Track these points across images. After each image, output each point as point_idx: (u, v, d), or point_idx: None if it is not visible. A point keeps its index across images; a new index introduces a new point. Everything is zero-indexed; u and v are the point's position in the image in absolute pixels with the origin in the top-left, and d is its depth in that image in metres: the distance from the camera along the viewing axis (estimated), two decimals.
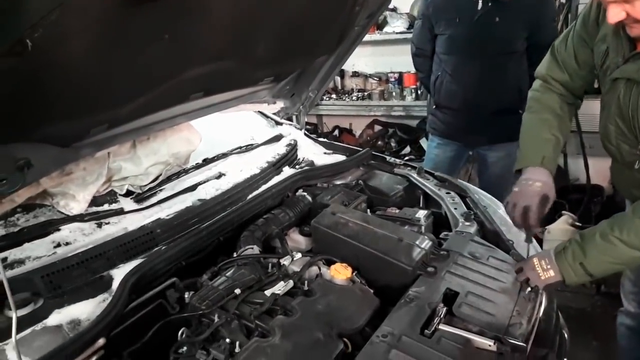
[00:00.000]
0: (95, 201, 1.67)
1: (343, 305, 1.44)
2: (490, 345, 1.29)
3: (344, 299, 1.47)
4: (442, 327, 1.35)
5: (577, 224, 3.26)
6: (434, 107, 3.05)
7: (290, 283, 1.50)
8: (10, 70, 0.92)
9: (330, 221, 1.74)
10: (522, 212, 1.52)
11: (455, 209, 1.96)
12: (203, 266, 1.61)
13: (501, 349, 1.28)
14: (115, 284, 1.39)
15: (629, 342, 1.95)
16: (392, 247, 1.61)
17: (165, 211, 1.66)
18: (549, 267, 1.40)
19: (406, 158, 2.41)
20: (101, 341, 1.22)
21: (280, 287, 1.48)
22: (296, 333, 1.31)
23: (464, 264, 1.61)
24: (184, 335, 1.34)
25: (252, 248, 1.69)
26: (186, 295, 1.48)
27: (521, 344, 1.28)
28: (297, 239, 1.90)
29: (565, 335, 1.53)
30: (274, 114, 2.48)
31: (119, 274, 1.43)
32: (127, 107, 1.35)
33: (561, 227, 3.16)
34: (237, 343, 1.28)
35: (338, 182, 2.21)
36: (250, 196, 1.87)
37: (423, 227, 1.87)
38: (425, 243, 1.64)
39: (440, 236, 1.85)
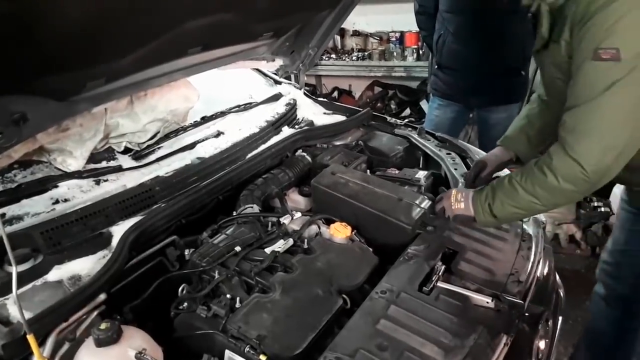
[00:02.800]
0: (93, 158, 1.65)
1: (342, 263, 1.45)
2: (488, 302, 1.31)
3: (343, 257, 1.47)
4: (440, 284, 1.36)
5: None
6: (436, 67, 2.99)
7: (290, 241, 1.51)
8: (3, 17, 0.88)
9: (330, 181, 1.73)
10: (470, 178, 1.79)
11: (456, 169, 1.95)
12: (203, 225, 1.61)
13: (499, 305, 1.29)
14: (114, 241, 1.39)
15: (598, 310, 1.99)
16: (392, 207, 1.61)
17: (164, 169, 1.64)
18: (462, 200, 1.53)
19: (406, 120, 2.38)
20: (102, 296, 1.23)
21: (280, 245, 1.49)
22: (296, 289, 1.33)
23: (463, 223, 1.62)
24: (184, 292, 1.35)
25: (252, 207, 1.68)
26: (186, 253, 1.48)
27: (519, 301, 1.30)
28: (296, 199, 1.89)
29: (561, 294, 1.55)
30: (273, 72, 2.43)
31: (118, 230, 1.42)
32: (125, 60, 1.31)
33: None
34: (238, 299, 1.29)
35: (338, 143, 2.19)
36: (249, 155, 1.86)
37: (423, 188, 1.86)
38: (425, 203, 1.64)
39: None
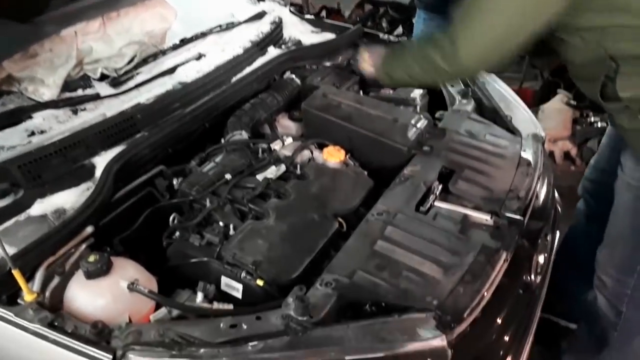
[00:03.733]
0: (68, 86, 1.54)
1: (337, 187, 1.41)
2: (487, 220, 1.28)
3: (338, 181, 1.43)
4: (437, 204, 1.33)
5: (572, 102, 3.20)
6: None
7: (283, 167, 1.45)
8: None
9: (322, 103, 1.65)
10: None
11: (452, 86, 1.87)
12: (190, 153, 1.54)
13: (498, 222, 1.27)
14: (98, 172, 1.33)
15: (578, 224, 2.00)
16: (387, 128, 1.54)
17: (144, 95, 1.55)
18: (370, 61, 1.60)
19: (399, 38, 2.25)
20: (89, 229, 1.18)
21: (272, 172, 1.43)
22: (291, 214, 1.29)
23: (460, 142, 1.56)
24: (175, 221, 1.31)
25: (241, 133, 1.61)
26: (175, 182, 1.43)
27: (518, 217, 1.27)
28: (286, 125, 1.82)
29: (559, 210, 1.53)
30: None
31: (101, 161, 1.36)
32: None
33: (556, 106, 3.09)
34: (231, 226, 1.25)
35: (328, 63, 2.07)
36: (234, 79, 1.75)
37: (418, 107, 1.79)
38: (421, 122, 1.57)
39: (436, 115, 1.78)
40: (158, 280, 1.20)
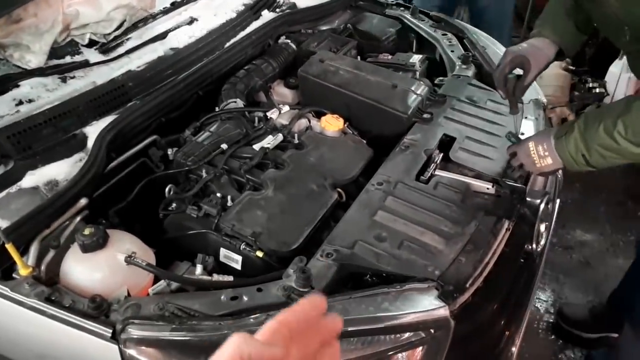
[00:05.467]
0: (56, 53, 1.47)
1: (336, 157, 1.38)
2: (488, 189, 1.27)
3: (337, 151, 1.40)
4: (438, 172, 1.31)
5: (571, 67, 3.16)
6: None
7: (280, 136, 1.42)
8: None
9: (319, 69, 1.60)
10: (504, 78, 1.30)
11: (452, 51, 1.82)
12: (184, 123, 1.50)
13: (500, 191, 1.26)
14: (90, 142, 1.29)
15: None
16: (386, 95, 1.50)
17: (135, 62, 1.49)
18: (546, 154, 1.17)
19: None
20: (83, 201, 1.15)
21: (269, 141, 1.40)
22: (289, 185, 1.26)
23: (461, 109, 1.53)
24: (171, 192, 1.28)
25: (236, 102, 1.57)
26: (169, 152, 1.39)
27: (520, 185, 1.26)
28: (282, 92, 1.77)
29: (559, 177, 1.51)
30: None
31: (92, 131, 1.31)
32: None
33: (554, 72, 3.05)
34: (229, 197, 1.23)
35: (324, 27, 2.01)
36: (227, 44, 1.69)
37: (418, 73, 1.74)
38: (422, 89, 1.53)
39: (436, 81, 1.74)
40: (156, 252, 1.18)
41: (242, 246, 1.14)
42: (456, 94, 1.58)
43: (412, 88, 1.52)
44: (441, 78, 1.75)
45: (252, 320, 0.87)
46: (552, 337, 2.00)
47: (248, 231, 1.14)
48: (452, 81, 1.67)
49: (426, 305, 0.94)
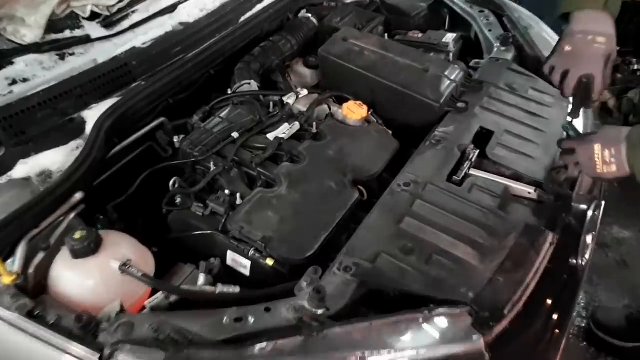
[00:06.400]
0: (54, 27, 1.34)
1: (358, 150, 1.24)
2: (530, 193, 1.12)
3: (359, 143, 1.27)
4: (473, 172, 1.17)
5: None
6: None
7: (296, 125, 1.28)
8: None
9: (342, 49, 1.45)
10: (578, 83, 1.09)
11: (490, 30, 1.65)
12: (194, 105, 1.38)
13: (543, 196, 1.11)
14: (88, 128, 1.17)
15: None
16: (417, 80, 1.35)
17: (140, 38, 1.36)
18: (612, 160, 0.99)
19: None
20: (79, 195, 1.05)
21: (284, 130, 1.27)
22: (305, 182, 1.14)
23: (499, 98, 1.37)
24: (176, 185, 1.17)
25: (250, 83, 1.43)
26: (175, 140, 1.27)
27: (566, 191, 1.11)
28: (301, 72, 1.63)
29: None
30: None
31: (92, 115, 1.20)
32: None
33: None
34: (238, 195, 1.11)
35: (349, 1, 1.85)
36: (242, 19, 1.55)
37: (452, 55, 1.58)
38: (456, 74, 1.37)
39: (471, 64, 1.57)
40: (159, 251, 1.08)
41: (252, 252, 1.03)
42: (494, 81, 1.42)
43: (446, 73, 1.36)
44: (477, 60, 1.58)
45: (256, 351, 0.76)
46: (584, 343, 1.87)
47: (258, 235, 1.02)
48: (490, 65, 1.50)
49: (458, 335, 0.82)
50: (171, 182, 1.17)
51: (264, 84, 1.49)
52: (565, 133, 1.15)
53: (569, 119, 1.15)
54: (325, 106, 1.37)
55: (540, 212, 1.09)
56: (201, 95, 1.43)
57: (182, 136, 1.27)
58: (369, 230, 1.02)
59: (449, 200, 1.08)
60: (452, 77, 1.35)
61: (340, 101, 1.38)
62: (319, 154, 1.21)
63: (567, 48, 1.10)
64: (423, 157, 1.19)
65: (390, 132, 1.34)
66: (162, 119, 1.33)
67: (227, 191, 1.12)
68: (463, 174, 1.16)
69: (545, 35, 1.58)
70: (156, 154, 1.31)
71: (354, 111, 1.32)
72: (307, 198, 1.11)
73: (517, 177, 1.16)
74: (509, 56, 1.54)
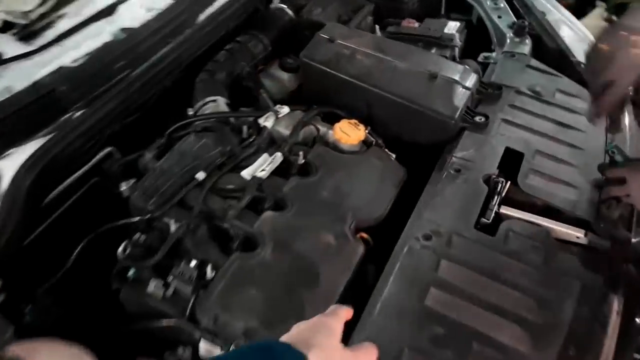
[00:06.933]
0: None
1: (357, 185, 0.99)
2: (578, 237, 0.89)
3: (358, 175, 1.01)
4: (504, 210, 0.93)
5: (613, 18, 2.72)
6: None
7: (279, 156, 1.02)
8: None
9: (328, 53, 1.17)
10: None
11: (500, 17, 1.39)
12: (147, 127, 1.10)
13: (595, 241, 0.88)
14: (3, 185, 0.88)
15: None
16: (423, 89, 1.09)
17: (70, 54, 1.06)
18: None
19: None
20: None
21: (263, 164, 1.00)
22: (295, 238, 0.89)
23: (522, 106, 1.13)
24: (127, 251, 0.90)
25: (215, 100, 1.15)
26: (123, 187, 0.99)
27: (623, 232, 0.89)
28: (278, 76, 1.35)
29: None
30: None
31: (8, 166, 0.91)
32: None
33: (594, 23, 2.62)
34: (209, 266, 0.85)
35: None
36: (201, 17, 1.24)
37: (457, 50, 1.31)
38: (470, 78, 1.12)
39: (479, 59, 1.32)
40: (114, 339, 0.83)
41: (232, 348, 0.78)
42: (514, 83, 1.18)
43: (458, 77, 1.10)
44: (486, 54, 1.33)
45: None
46: None
47: (238, 327, 0.77)
48: (505, 62, 1.25)
49: None
50: (120, 249, 0.90)
51: (234, 98, 1.21)
52: (612, 158, 0.92)
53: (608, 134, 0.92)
54: (312, 127, 1.10)
55: (594, 262, 0.86)
56: (155, 114, 1.15)
57: (131, 181, 0.99)
58: (387, 309, 0.78)
59: (481, 255, 0.85)
60: (467, 84, 1.10)
61: (330, 119, 1.11)
62: (310, 197, 0.96)
63: (603, 46, 0.85)
64: (443, 195, 0.95)
65: (394, 155, 1.08)
66: (108, 149, 1.05)
67: (193, 261, 0.85)
68: (492, 214, 0.92)
69: (569, 25, 1.32)
70: (106, 193, 1.03)
71: (348, 134, 1.06)
72: (299, 263, 0.86)
73: (556, 212, 0.93)
74: (526, 49, 1.29)
